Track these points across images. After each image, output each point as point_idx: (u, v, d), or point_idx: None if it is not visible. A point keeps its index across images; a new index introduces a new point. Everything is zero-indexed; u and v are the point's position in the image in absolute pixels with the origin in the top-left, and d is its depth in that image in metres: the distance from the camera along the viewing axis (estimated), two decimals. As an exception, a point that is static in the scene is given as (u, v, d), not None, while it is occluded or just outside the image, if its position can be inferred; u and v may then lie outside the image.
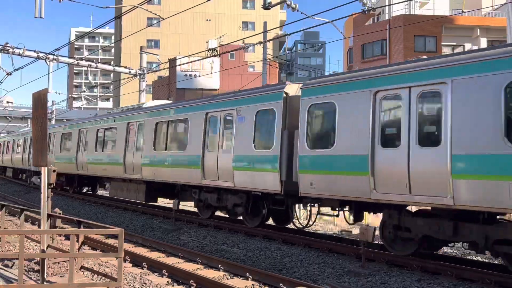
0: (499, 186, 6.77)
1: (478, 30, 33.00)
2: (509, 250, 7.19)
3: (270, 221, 12.90)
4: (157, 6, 51.70)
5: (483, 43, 32.49)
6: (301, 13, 14.76)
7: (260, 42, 18.77)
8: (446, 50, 31.98)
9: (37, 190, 23.76)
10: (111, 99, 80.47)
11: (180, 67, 40.05)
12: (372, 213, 10.25)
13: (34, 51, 21.21)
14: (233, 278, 7.70)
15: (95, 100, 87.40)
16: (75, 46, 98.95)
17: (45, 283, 6.69)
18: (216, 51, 37.97)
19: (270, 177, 10.60)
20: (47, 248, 7.25)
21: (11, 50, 20.45)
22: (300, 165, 9.80)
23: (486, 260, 9.58)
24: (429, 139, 7.83)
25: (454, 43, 33.18)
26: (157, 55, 26.46)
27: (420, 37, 32.37)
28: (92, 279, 7.37)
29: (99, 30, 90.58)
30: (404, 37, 32.16)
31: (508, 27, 23.35)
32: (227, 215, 13.77)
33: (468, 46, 32.62)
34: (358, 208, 9.42)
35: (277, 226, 12.88)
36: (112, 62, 45.49)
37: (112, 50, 78.44)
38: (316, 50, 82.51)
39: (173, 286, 7.29)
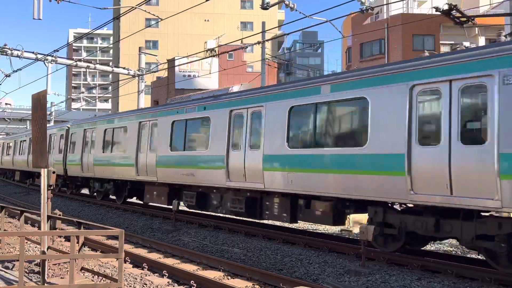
0: None
1: (476, 28, 33.04)
2: None
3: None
4: (155, 7, 51.70)
5: (482, 41, 32.56)
6: (300, 12, 14.77)
7: (258, 42, 18.77)
8: (443, 49, 32.02)
9: (37, 191, 23.67)
10: (109, 100, 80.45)
11: (179, 67, 40.06)
12: None
13: (33, 52, 21.18)
14: (233, 278, 7.71)
15: (94, 101, 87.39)
16: (73, 47, 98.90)
17: (45, 284, 6.69)
18: (215, 51, 38.01)
19: None
20: (47, 249, 7.25)
21: (9, 51, 20.41)
22: None
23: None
24: None
25: (453, 42, 33.22)
26: (156, 55, 26.40)
27: (419, 36, 32.41)
28: (92, 280, 7.37)
29: (98, 31, 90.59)
30: (403, 36, 32.20)
31: (505, 25, 23.38)
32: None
33: (466, 45, 32.64)
34: None
35: (277, 226, 12.89)
36: (110, 63, 45.44)
37: (111, 51, 78.43)
38: (315, 50, 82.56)
39: (173, 286, 7.29)
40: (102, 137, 17.93)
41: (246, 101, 11.49)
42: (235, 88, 13.16)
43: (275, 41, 54.62)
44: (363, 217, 11.24)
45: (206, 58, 36.51)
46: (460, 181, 7.13)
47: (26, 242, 9.64)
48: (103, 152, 17.74)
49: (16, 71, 21.69)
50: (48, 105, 39.49)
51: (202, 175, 12.50)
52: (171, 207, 13.75)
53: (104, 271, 8.03)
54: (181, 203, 14.31)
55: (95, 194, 19.99)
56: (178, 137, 13.83)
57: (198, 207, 13.30)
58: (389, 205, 8.71)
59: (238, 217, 13.50)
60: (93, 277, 7.54)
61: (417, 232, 8.10)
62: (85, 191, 22.78)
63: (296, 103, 10.09)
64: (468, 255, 9.80)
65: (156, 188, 14.95)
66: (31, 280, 7.19)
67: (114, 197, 18.68)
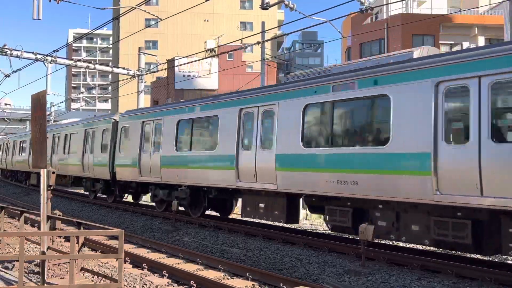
0: None
1: (476, 28, 33.09)
2: None
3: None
4: (155, 7, 51.69)
5: (481, 41, 32.57)
6: (299, 12, 14.76)
7: (258, 42, 18.76)
8: (444, 49, 32.05)
9: (36, 191, 23.64)
10: (109, 100, 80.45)
11: (179, 67, 40.07)
12: None
13: (32, 52, 21.17)
14: (233, 278, 7.71)
15: (93, 102, 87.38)
16: (73, 47, 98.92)
17: (45, 284, 6.69)
18: (214, 51, 37.99)
19: None
20: (47, 249, 7.25)
21: (9, 52, 20.41)
22: None
23: (486, 258, 9.59)
24: None
25: (452, 42, 33.28)
26: (156, 55, 26.40)
27: (418, 36, 32.42)
28: (92, 281, 7.37)
29: (97, 31, 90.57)
30: (402, 36, 32.20)
31: (505, 25, 23.40)
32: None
33: (466, 45, 32.71)
34: None
35: (277, 226, 12.87)
36: (110, 63, 45.45)
37: (110, 51, 78.43)
38: (314, 50, 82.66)
39: (173, 286, 7.29)
40: (175, 131, 13.85)
41: (473, 66, 7.32)
42: (416, 54, 8.88)
43: (275, 41, 54.61)
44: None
45: (205, 58, 36.52)
46: None
47: (26, 243, 9.63)
48: (177, 151, 13.72)
49: (15, 71, 21.69)
50: (48, 105, 39.37)
51: (377, 183, 8.28)
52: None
53: (104, 271, 8.03)
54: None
55: (155, 203, 15.87)
56: (317, 126, 9.78)
57: (354, 230, 9.14)
58: None
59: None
60: (93, 277, 7.53)
61: None
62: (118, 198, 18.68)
63: None
64: (468, 255, 9.80)
65: (265, 198, 11.08)
66: (31, 280, 7.18)
67: (182, 209, 14.68)
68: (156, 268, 8.16)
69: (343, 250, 9.59)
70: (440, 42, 32.75)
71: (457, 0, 37.75)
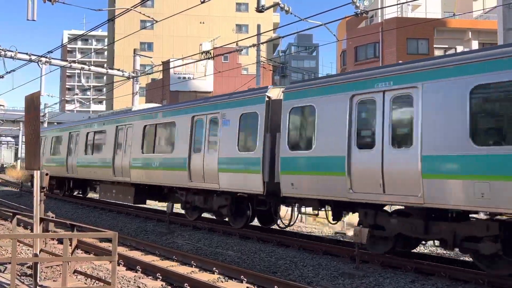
0: None
1: (470, 32, 33.36)
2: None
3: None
4: (150, 9, 51.63)
5: (475, 45, 32.83)
6: (295, 15, 14.81)
7: (253, 45, 18.79)
8: (437, 53, 32.25)
9: (29, 193, 23.47)
10: (104, 102, 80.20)
11: (174, 69, 40.02)
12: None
13: (27, 53, 21.05)
14: (227, 281, 7.69)
15: (88, 103, 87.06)
16: (68, 48, 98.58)
17: (38, 287, 6.64)
18: (210, 53, 38.01)
19: None
20: (40, 252, 7.20)
21: (3, 53, 20.28)
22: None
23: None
24: None
25: (446, 46, 33.51)
26: (151, 57, 26.38)
27: (413, 39, 32.63)
28: (85, 283, 7.32)
29: (92, 33, 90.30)
30: (397, 40, 32.39)
31: (499, 29, 23.58)
32: None
33: (460, 49, 32.95)
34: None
35: (272, 229, 12.89)
36: (105, 65, 45.27)
37: (105, 53, 78.20)
38: (310, 53, 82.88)
39: (167, 289, 7.26)
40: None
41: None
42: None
43: (270, 44, 54.74)
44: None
45: (201, 60, 36.52)
46: None
47: (19, 245, 9.56)
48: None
49: (9, 72, 21.57)
50: (42, 106, 39.09)
51: None
52: (162, 209, 12.69)
53: (98, 274, 7.98)
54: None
55: None
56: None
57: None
58: None
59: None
60: (86, 280, 7.48)
61: None
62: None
63: None
64: (461, 258, 9.85)
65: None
66: (23, 283, 7.12)
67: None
68: (150, 270, 8.13)
69: (337, 253, 9.61)
70: (434, 46, 32.99)
71: (451, 5, 38.05)
